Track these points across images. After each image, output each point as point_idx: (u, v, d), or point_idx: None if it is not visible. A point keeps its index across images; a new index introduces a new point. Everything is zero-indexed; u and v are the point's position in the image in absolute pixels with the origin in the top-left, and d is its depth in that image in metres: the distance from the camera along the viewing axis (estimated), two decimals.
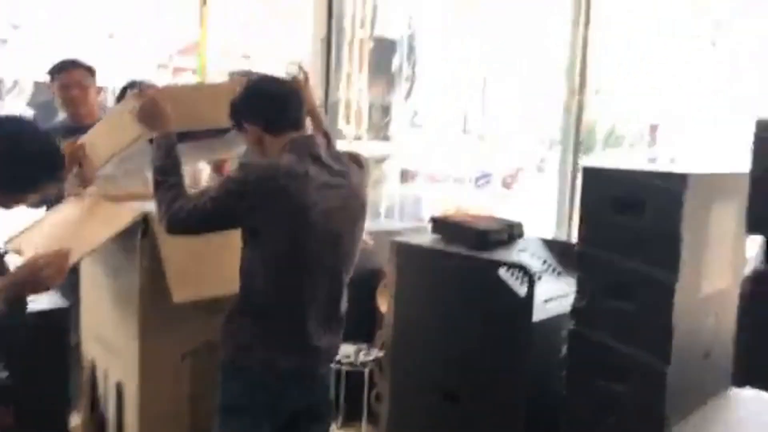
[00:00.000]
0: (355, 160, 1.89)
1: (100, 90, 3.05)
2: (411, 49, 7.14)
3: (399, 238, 2.53)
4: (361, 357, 3.23)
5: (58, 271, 1.62)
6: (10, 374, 2.09)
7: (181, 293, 1.78)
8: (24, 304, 1.87)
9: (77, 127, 2.82)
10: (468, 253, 2.22)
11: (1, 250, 1.96)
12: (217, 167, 2.53)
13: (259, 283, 1.72)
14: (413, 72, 7.47)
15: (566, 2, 3.93)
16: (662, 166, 1.91)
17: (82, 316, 2.24)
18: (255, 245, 1.71)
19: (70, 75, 2.84)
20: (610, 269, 1.75)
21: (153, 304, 1.85)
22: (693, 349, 1.73)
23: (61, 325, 2.37)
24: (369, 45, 6.66)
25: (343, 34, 6.24)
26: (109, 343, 2.02)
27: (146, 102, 1.82)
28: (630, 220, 1.71)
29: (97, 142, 2.06)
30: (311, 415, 1.88)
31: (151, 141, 1.85)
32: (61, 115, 3.10)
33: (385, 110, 7.07)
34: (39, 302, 2.41)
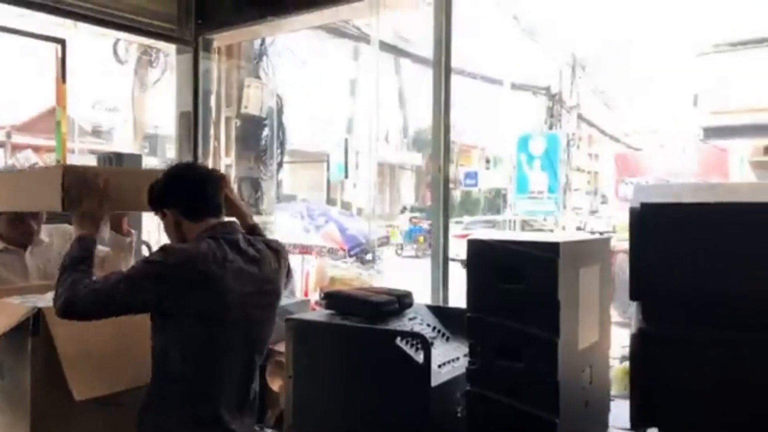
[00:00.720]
0: (272, 247, 1.96)
1: None
2: (280, 125, 7.31)
3: (294, 316, 2.57)
4: None
5: None
6: None
7: (82, 391, 1.70)
8: None
9: None
10: (364, 325, 2.32)
11: None
12: (116, 226, 2.43)
13: (173, 366, 1.71)
14: (282, 147, 7.63)
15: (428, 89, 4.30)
16: (536, 237, 2.17)
17: None
18: (169, 329, 1.71)
19: None
20: (498, 332, 1.94)
21: (46, 403, 1.75)
22: (575, 399, 1.94)
23: None
24: (236, 122, 6.75)
25: (209, 112, 6.29)
26: None
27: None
28: (512, 286, 1.92)
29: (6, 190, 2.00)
30: None
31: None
32: None
33: (255, 184, 7.12)
34: None
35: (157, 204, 1.85)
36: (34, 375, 1.74)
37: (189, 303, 1.70)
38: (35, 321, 1.74)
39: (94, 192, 1.82)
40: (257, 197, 6.64)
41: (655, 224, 1.33)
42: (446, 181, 4.31)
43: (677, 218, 1.33)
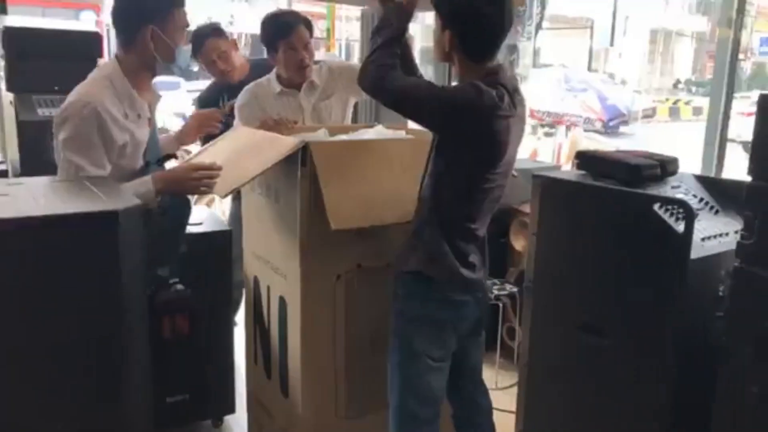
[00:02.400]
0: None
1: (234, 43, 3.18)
2: None
3: (543, 173, 2.49)
4: (495, 291, 3.26)
5: (209, 181, 1.84)
6: (184, 287, 2.33)
7: (338, 222, 1.85)
8: (187, 205, 2.05)
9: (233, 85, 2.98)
10: (619, 188, 2.15)
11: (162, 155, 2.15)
12: None
13: (447, 195, 1.78)
14: (542, 8, 7.14)
15: None
16: None
17: (244, 236, 2.41)
18: (452, 159, 1.76)
19: (216, 43, 2.97)
20: None
21: (312, 227, 1.94)
22: None
23: (225, 244, 2.60)
24: None
25: None
26: (270, 262, 2.17)
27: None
28: None
29: None
30: (478, 328, 2.00)
31: None
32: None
33: (510, 47, 6.85)
34: (206, 226, 2.66)
35: (441, 10, 1.75)
36: (302, 201, 1.94)
37: (475, 143, 1.72)
38: (303, 153, 1.91)
39: None
40: (511, 60, 6.40)
41: None
42: (735, 46, 3.75)
43: None
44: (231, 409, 2.80)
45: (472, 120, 1.70)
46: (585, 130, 7.41)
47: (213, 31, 3.03)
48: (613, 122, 7.09)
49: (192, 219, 2.72)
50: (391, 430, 1.89)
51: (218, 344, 2.70)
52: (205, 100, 3.11)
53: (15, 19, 3.39)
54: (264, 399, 2.35)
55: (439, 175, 1.80)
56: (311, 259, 1.97)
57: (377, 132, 2.18)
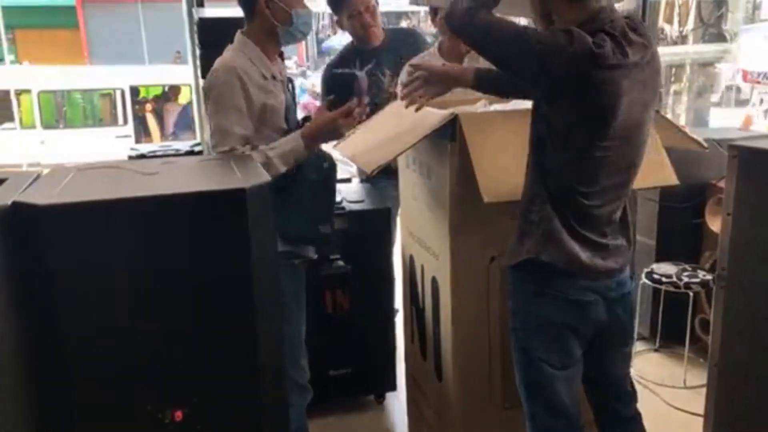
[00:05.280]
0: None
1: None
2: None
3: (741, 142, 2.12)
4: (685, 278, 2.89)
5: (349, 123, 1.96)
6: (344, 264, 2.37)
7: (490, 194, 1.72)
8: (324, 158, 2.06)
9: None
10: None
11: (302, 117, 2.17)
12: None
13: (551, 165, 1.54)
14: None
15: None
16: None
17: (401, 215, 2.38)
18: (551, 119, 1.52)
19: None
20: None
21: (462, 205, 1.84)
22: None
23: (382, 223, 2.60)
24: None
25: None
26: (423, 241, 2.11)
27: None
28: None
29: None
30: (620, 338, 1.73)
31: None
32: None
33: (717, 4, 6.02)
34: (364, 204, 2.68)
35: None
36: (452, 178, 1.84)
37: (572, 98, 1.47)
38: (452, 127, 1.81)
39: None
40: (719, 16, 5.61)
41: None
42: None
43: None
44: (392, 386, 2.82)
45: (562, 69, 1.44)
46: None
47: None
48: None
49: (354, 197, 2.76)
50: None
51: (379, 321, 2.72)
52: (336, 66, 3.05)
53: (208, 11, 3.68)
54: (420, 379, 2.32)
55: (539, 141, 1.55)
56: (462, 238, 1.87)
57: None
